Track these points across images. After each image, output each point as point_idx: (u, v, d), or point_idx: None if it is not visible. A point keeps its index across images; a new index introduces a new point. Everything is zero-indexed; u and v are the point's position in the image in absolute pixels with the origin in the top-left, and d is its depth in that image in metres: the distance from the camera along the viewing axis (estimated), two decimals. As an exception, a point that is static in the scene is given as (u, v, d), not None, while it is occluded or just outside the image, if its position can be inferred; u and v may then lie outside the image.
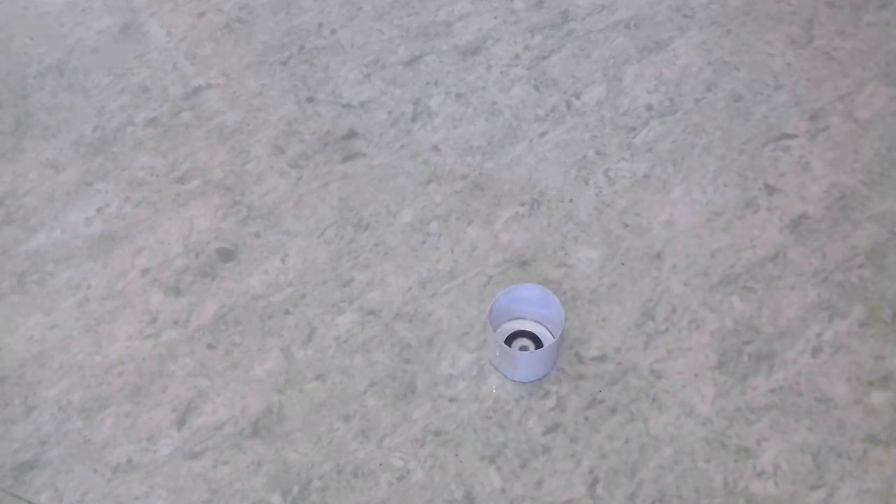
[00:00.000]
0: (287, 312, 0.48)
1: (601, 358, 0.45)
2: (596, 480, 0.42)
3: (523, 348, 0.45)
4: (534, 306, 0.44)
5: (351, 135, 0.56)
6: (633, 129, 0.55)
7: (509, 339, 0.45)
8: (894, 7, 0.59)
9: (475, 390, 0.45)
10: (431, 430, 0.44)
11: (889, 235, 0.49)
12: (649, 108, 0.55)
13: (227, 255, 0.51)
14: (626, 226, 0.51)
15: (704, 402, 0.44)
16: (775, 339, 0.46)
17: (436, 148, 0.54)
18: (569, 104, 0.56)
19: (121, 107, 0.58)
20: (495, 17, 0.61)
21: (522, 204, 0.52)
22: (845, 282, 0.48)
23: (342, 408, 0.45)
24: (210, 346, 0.47)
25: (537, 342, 0.45)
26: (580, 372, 0.45)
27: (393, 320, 0.47)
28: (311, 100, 0.57)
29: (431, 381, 0.45)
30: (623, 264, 0.48)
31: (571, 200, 0.52)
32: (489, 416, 0.44)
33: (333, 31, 0.61)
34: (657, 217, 0.51)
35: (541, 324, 0.45)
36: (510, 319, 0.46)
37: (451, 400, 0.45)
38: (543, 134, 0.55)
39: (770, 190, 0.51)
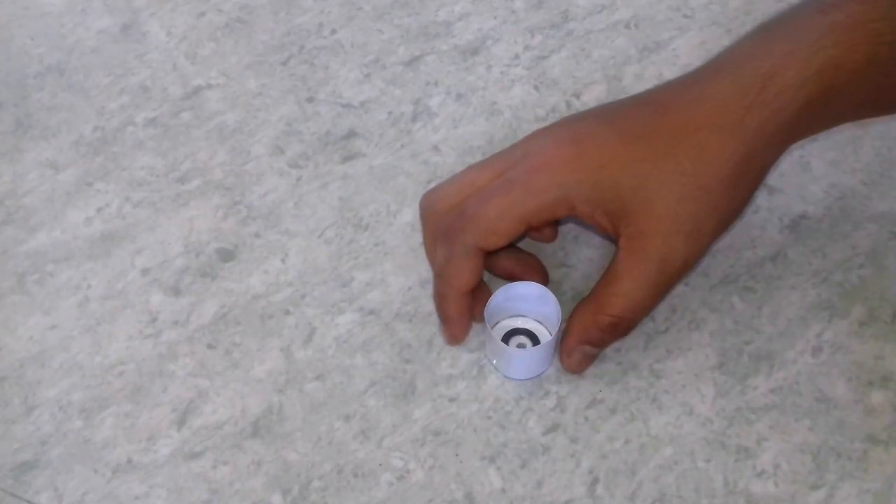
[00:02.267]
0: (287, 312, 0.48)
1: (601, 358, 0.45)
2: (596, 480, 0.42)
3: (520, 345, 0.45)
4: (531, 304, 0.44)
5: (351, 135, 0.55)
6: (633, 129, 0.55)
7: (507, 337, 0.45)
8: (894, 7, 0.59)
9: (475, 390, 0.45)
10: (431, 430, 0.44)
11: (889, 235, 0.49)
12: (649, 108, 0.55)
13: (227, 255, 0.51)
14: (626, 226, 0.51)
15: (704, 402, 0.44)
16: (775, 339, 0.46)
17: (436, 148, 0.54)
18: (569, 104, 0.56)
19: (121, 107, 0.58)
20: (495, 17, 0.61)
21: (522, 204, 0.52)
22: (845, 282, 0.48)
23: (342, 408, 0.45)
24: (210, 346, 0.47)
25: (535, 340, 0.45)
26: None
27: (393, 320, 0.47)
28: (311, 100, 0.57)
29: (431, 381, 0.45)
30: (623, 264, 0.48)
31: (571, 200, 0.52)
32: (489, 416, 0.44)
33: (333, 31, 0.61)
34: (657, 217, 0.51)
35: (539, 322, 0.45)
36: (509, 317, 0.46)
37: (451, 400, 0.45)
38: (543, 134, 0.54)
39: (770, 190, 0.51)
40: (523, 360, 0.44)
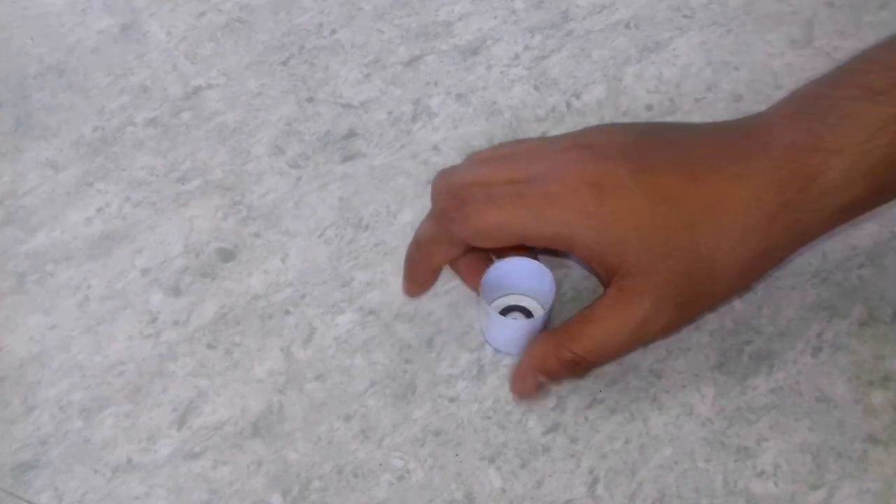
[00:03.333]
0: (287, 312, 0.48)
1: (601, 358, 0.45)
2: (596, 480, 0.42)
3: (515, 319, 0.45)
4: (527, 280, 0.44)
5: (351, 135, 0.56)
6: (633, 129, 0.55)
7: (503, 313, 0.45)
8: (894, 7, 0.59)
9: (475, 390, 0.45)
10: (431, 430, 0.44)
11: (889, 235, 0.49)
12: (649, 108, 0.55)
13: (227, 255, 0.51)
14: (626, 226, 0.51)
15: (704, 402, 0.44)
16: (775, 339, 0.46)
17: (436, 148, 0.54)
18: (569, 104, 0.56)
19: (121, 107, 0.58)
20: (495, 17, 0.61)
21: (522, 204, 0.52)
22: (845, 282, 0.48)
23: (342, 408, 0.45)
24: (210, 346, 0.47)
25: (530, 316, 0.45)
26: (580, 372, 0.45)
27: (393, 320, 0.47)
28: (311, 100, 0.57)
29: (431, 381, 0.45)
30: (623, 264, 0.48)
31: (571, 200, 0.52)
32: (489, 416, 0.44)
33: (333, 31, 0.61)
34: (657, 217, 0.51)
35: (535, 299, 0.46)
36: (504, 294, 0.46)
37: (451, 400, 0.45)
38: (543, 134, 0.55)
39: (770, 190, 0.51)
40: (517, 333, 0.44)
